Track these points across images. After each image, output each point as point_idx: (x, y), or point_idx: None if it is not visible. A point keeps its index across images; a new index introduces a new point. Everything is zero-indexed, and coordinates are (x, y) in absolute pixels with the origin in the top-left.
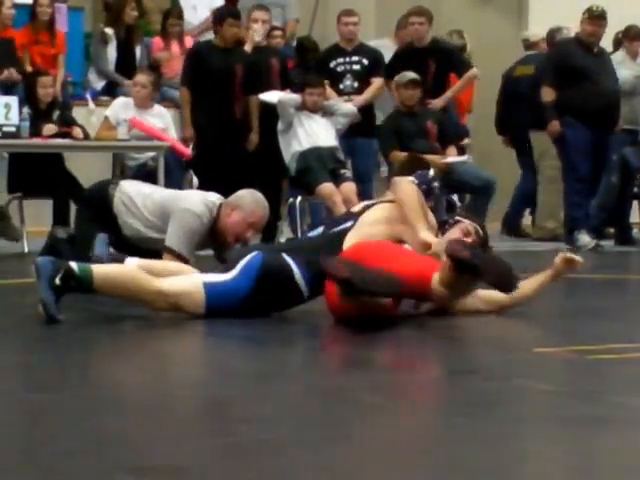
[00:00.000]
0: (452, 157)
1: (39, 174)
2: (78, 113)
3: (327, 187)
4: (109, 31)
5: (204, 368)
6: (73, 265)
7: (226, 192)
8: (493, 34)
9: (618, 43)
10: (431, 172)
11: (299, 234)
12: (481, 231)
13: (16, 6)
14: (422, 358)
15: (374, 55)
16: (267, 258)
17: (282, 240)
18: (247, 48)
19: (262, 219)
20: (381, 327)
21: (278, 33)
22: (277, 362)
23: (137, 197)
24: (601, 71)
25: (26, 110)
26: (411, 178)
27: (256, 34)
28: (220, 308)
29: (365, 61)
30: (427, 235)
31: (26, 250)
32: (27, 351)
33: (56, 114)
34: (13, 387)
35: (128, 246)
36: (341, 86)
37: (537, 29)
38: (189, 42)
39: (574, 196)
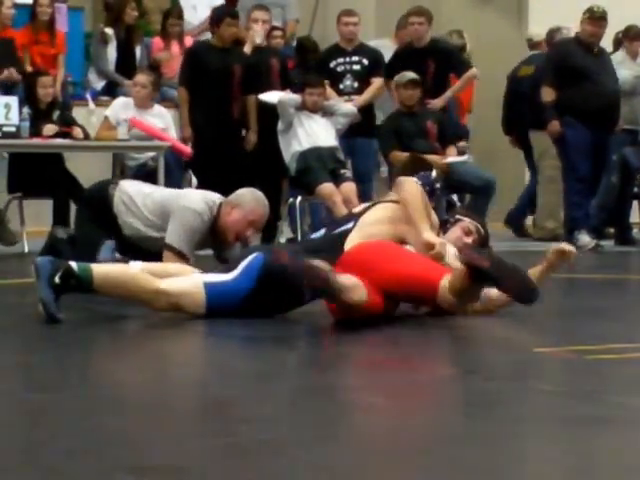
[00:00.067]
0: (452, 157)
1: (39, 174)
2: (78, 113)
3: (327, 187)
4: (109, 31)
5: (204, 368)
6: (73, 264)
7: (225, 192)
8: (493, 34)
9: (618, 43)
10: (434, 173)
11: (299, 234)
12: (482, 229)
13: (16, 6)
14: (422, 358)
15: (374, 55)
16: (268, 259)
17: (282, 240)
18: (247, 49)
19: (262, 217)
20: (381, 327)
21: (278, 33)
22: (277, 362)
23: (137, 196)
24: (601, 71)
25: (26, 110)
26: (414, 179)
27: (257, 36)
28: (220, 308)
29: (365, 61)
30: (430, 235)
31: (26, 250)
32: (27, 351)
33: (56, 114)
34: (13, 387)
35: (129, 247)
36: (341, 86)
37: (537, 29)
38: (189, 42)
39: (574, 196)
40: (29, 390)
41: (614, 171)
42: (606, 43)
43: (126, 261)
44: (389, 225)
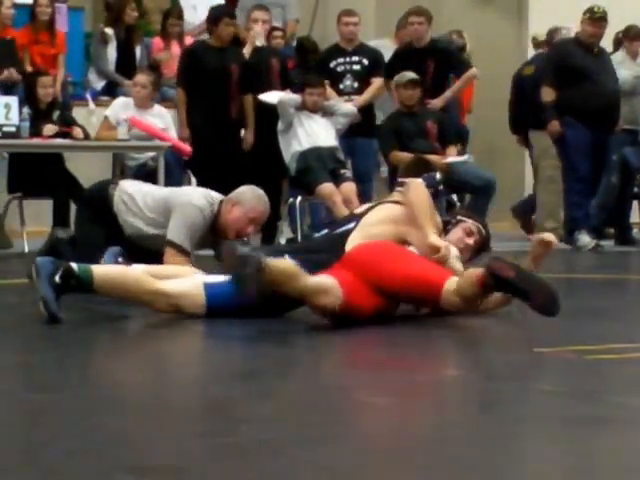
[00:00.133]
0: (452, 157)
1: (39, 174)
2: (78, 113)
3: (327, 187)
4: (109, 31)
5: (204, 368)
6: (73, 265)
7: (224, 192)
8: (493, 34)
9: (618, 43)
10: (438, 175)
11: (299, 234)
12: (484, 230)
13: (16, 6)
14: (422, 358)
15: (374, 55)
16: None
17: (282, 240)
18: (247, 50)
19: (263, 214)
20: (381, 327)
21: (278, 34)
22: (277, 362)
23: (137, 195)
24: (601, 71)
25: (26, 110)
26: (419, 180)
27: (257, 38)
28: (220, 309)
29: (365, 61)
30: (436, 239)
31: (26, 250)
32: (27, 351)
33: (56, 114)
34: (13, 387)
35: (130, 247)
36: (341, 86)
37: (537, 29)
38: (189, 42)
39: (574, 196)
40: (29, 390)
41: (614, 171)
42: (606, 43)
43: (128, 265)
44: (391, 226)
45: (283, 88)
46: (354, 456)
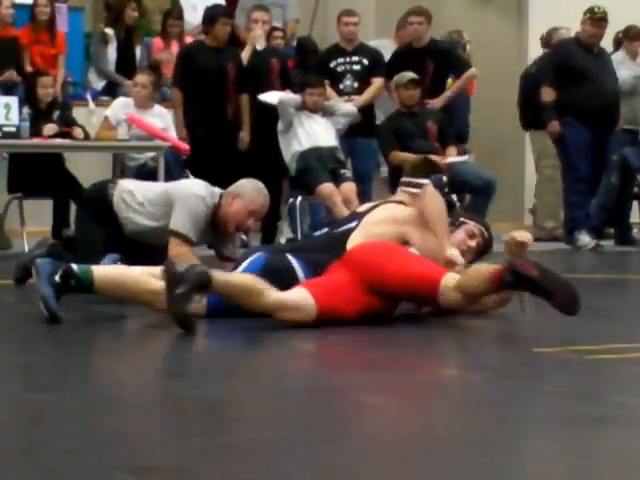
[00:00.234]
0: (452, 157)
1: (39, 174)
2: (78, 113)
3: (327, 187)
4: (109, 31)
5: (204, 368)
6: (73, 265)
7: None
8: (493, 34)
9: (618, 43)
10: (444, 178)
11: (299, 234)
12: (486, 232)
13: (16, 6)
14: (422, 358)
15: (374, 55)
16: (271, 259)
17: (282, 240)
18: (247, 52)
19: (263, 207)
20: (381, 327)
21: (278, 34)
22: (277, 362)
23: (137, 191)
24: (601, 71)
25: (26, 110)
26: (427, 181)
27: (258, 41)
28: (221, 308)
29: (365, 61)
30: (453, 254)
31: (26, 250)
32: (27, 351)
33: (56, 114)
34: (13, 387)
35: (130, 248)
36: (341, 86)
37: (537, 29)
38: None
39: (574, 196)
40: (29, 390)
41: (614, 171)
42: (606, 43)
43: None
44: (393, 226)
45: (283, 88)
46: (354, 456)
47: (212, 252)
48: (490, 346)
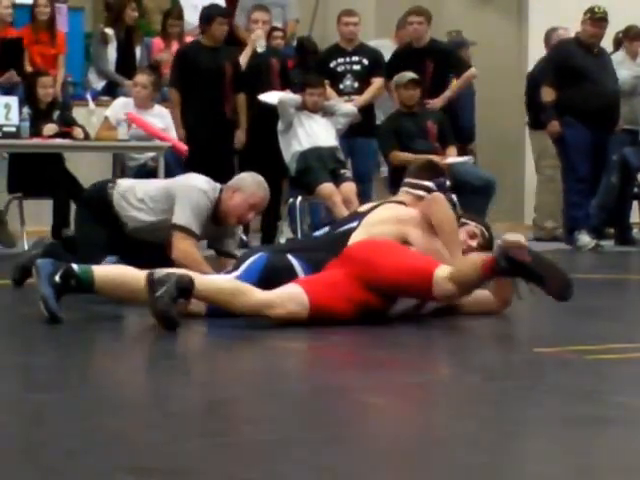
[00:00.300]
0: (452, 157)
1: (39, 174)
2: (78, 113)
3: (327, 187)
4: (109, 31)
5: (206, 368)
6: (73, 265)
7: None
8: (493, 34)
9: (618, 43)
10: (448, 182)
11: (299, 234)
12: (487, 233)
13: (16, 6)
14: (422, 358)
15: (374, 55)
16: (271, 259)
17: (282, 240)
18: (247, 53)
19: (263, 200)
20: (381, 327)
21: (278, 34)
22: (278, 362)
23: (137, 188)
24: (601, 71)
25: (26, 110)
26: (430, 184)
27: (259, 44)
28: (221, 309)
29: (365, 61)
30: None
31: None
32: (27, 351)
33: (56, 114)
34: (13, 387)
35: (131, 248)
36: (341, 86)
37: (537, 29)
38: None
39: (574, 196)
40: (29, 390)
41: (614, 171)
42: (606, 43)
43: None
44: (394, 225)
45: (283, 88)
46: (355, 456)
47: (212, 252)
48: (490, 346)
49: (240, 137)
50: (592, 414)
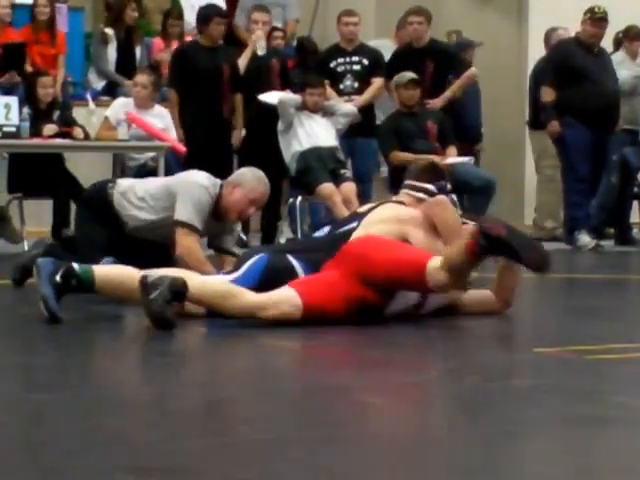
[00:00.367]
0: (453, 158)
1: (39, 174)
2: (78, 113)
3: (327, 187)
4: (109, 31)
5: (204, 368)
6: (74, 265)
7: None
8: (493, 34)
9: (618, 43)
10: (448, 185)
11: (299, 234)
12: None
13: (16, 6)
14: (422, 358)
15: (374, 55)
16: (272, 260)
17: (282, 240)
18: (247, 55)
19: (264, 195)
20: (379, 327)
21: (278, 34)
22: (274, 362)
23: (138, 187)
24: (601, 71)
25: (26, 110)
26: (431, 186)
27: (259, 46)
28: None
29: (365, 61)
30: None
31: (27, 249)
32: (27, 351)
33: (56, 114)
34: (13, 387)
35: (131, 248)
36: (341, 86)
37: (537, 29)
38: None
39: (574, 196)
40: (29, 390)
41: (614, 171)
42: (606, 43)
43: None
44: (394, 225)
45: (283, 88)
46: (354, 456)
47: (212, 252)
48: (490, 346)
49: (237, 136)
50: (592, 414)
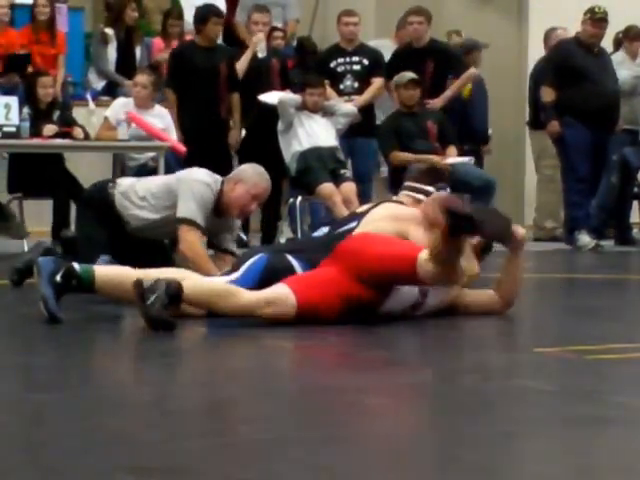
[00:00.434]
0: (453, 158)
1: (39, 174)
2: (78, 113)
3: (327, 187)
4: (109, 31)
5: (204, 368)
6: (75, 265)
7: None
8: (493, 34)
9: (618, 43)
10: (448, 188)
11: (299, 234)
12: None
13: (16, 6)
14: (422, 358)
15: (374, 55)
16: (272, 260)
17: (282, 240)
18: (247, 56)
19: (265, 191)
20: (380, 327)
21: (278, 34)
22: (277, 362)
23: (138, 186)
24: (601, 71)
25: (26, 110)
26: (431, 189)
27: (259, 48)
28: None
29: (365, 61)
30: (474, 264)
31: (26, 250)
32: (27, 351)
33: (56, 114)
34: (13, 387)
35: (131, 248)
36: (341, 86)
37: (537, 29)
38: None
39: (574, 196)
40: (29, 390)
41: (614, 171)
42: (606, 43)
43: None
44: (394, 223)
45: (283, 88)
46: (354, 456)
47: (211, 252)
48: (490, 346)
49: (235, 137)
50: (592, 414)
